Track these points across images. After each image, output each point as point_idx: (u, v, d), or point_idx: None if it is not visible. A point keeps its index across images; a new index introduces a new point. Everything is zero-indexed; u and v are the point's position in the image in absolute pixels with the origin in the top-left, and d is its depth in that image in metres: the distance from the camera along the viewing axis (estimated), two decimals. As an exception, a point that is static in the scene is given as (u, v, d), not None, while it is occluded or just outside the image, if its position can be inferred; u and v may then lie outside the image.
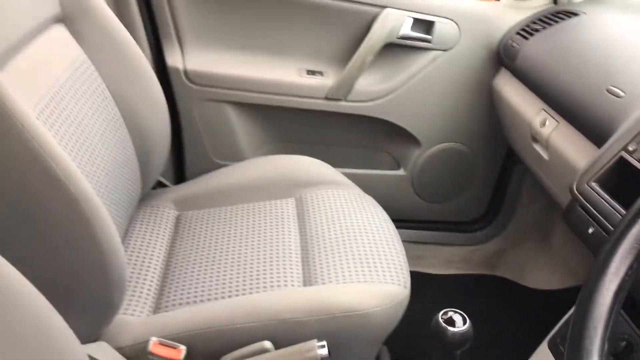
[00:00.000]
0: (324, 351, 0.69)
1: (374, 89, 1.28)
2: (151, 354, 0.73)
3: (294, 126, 1.32)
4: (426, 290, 1.42)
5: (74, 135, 0.79)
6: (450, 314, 0.68)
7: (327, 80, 1.26)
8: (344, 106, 1.27)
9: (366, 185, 1.31)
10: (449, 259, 1.54)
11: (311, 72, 1.26)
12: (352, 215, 1.02)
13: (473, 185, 1.46)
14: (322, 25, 1.22)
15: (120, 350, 0.77)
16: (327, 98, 1.26)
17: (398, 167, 1.41)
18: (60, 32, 0.87)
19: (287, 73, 1.24)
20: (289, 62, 1.26)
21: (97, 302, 0.72)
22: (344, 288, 0.85)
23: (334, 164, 1.22)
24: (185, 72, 1.19)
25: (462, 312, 0.69)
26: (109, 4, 0.96)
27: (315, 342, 0.70)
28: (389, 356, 1.05)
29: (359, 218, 1.01)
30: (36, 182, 0.63)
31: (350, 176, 1.18)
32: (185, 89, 1.21)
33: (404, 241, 1.48)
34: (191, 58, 1.20)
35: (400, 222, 1.45)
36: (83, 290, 0.70)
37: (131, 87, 0.96)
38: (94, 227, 0.67)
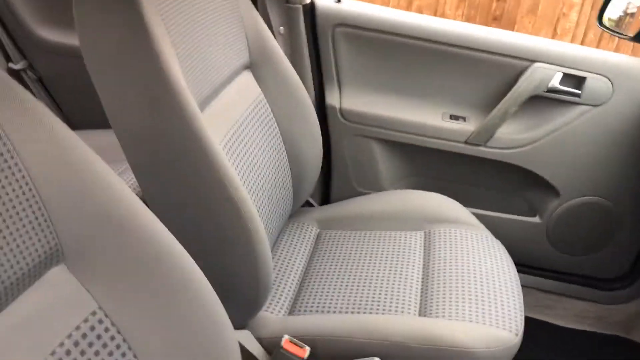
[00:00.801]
0: (424, 376, 0.79)
1: (516, 137, 1.32)
2: (282, 348, 0.89)
3: (432, 164, 1.42)
4: (548, 340, 1.41)
5: (246, 161, 0.99)
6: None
7: (469, 125, 1.33)
8: (483, 151, 1.34)
9: (496, 228, 1.35)
10: (580, 314, 1.50)
11: (454, 117, 1.35)
12: (476, 257, 1.08)
13: (615, 241, 1.41)
14: (470, 74, 1.30)
15: (259, 340, 0.95)
16: (467, 142, 1.33)
17: (533, 215, 1.42)
18: (246, 77, 1.09)
19: (432, 116, 1.35)
20: (434, 106, 1.36)
21: (247, 297, 0.91)
22: (456, 324, 0.92)
23: (466, 203, 1.29)
24: (341, 110, 1.36)
25: None
26: (286, 53, 1.17)
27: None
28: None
29: (482, 260, 1.08)
30: (214, 198, 0.82)
31: (481, 217, 1.24)
32: (339, 125, 1.38)
33: (532, 288, 1.49)
34: (347, 98, 1.37)
35: (530, 268, 1.47)
36: (238, 285, 0.88)
37: (295, 122, 1.15)
38: (252, 237, 0.85)
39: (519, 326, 0.94)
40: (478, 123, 1.33)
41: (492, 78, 1.30)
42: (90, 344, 0.53)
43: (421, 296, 1.01)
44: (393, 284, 1.03)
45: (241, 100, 1.04)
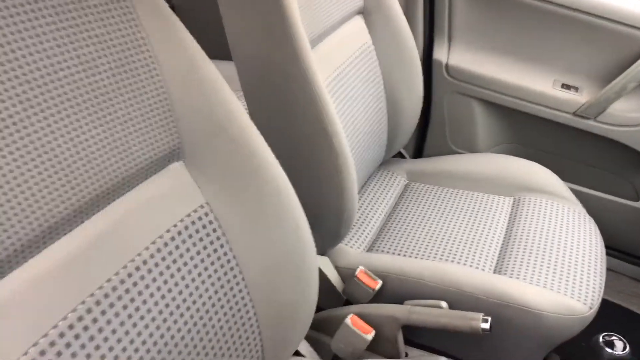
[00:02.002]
0: (486, 325, 0.82)
1: (630, 115, 1.25)
2: (356, 278, 0.95)
3: (533, 132, 1.38)
4: (625, 327, 1.36)
5: (346, 103, 1.04)
6: (613, 337, 0.72)
7: (581, 97, 1.28)
8: (592, 126, 1.28)
9: (593, 207, 1.31)
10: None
11: (566, 86, 1.30)
12: (563, 228, 1.07)
13: None
14: (590, 42, 1.24)
15: (335, 268, 1.02)
16: (575, 114, 1.28)
17: (635, 199, 1.35)
18: (358, 22, 1.12)
19: (541, 83, 1.31)
20: (546, 72, 1.31)
21: (330, 227, 0.97)
22: (529, 287, 0.93)
23: (564, 177, 1.25)
24: (447, 66, 1.36)
25: (625, 340, 0.72)
26: (400, 3, 1.18)
27: (481, 315, 0.83)
28: (557, 365, 1.09)
29: (569, 232, 1.06)
30: (311, 129, 0.88)
31: (577, 193, 1.20)
32: (442, 81, 1.38)
33: (621, 274, 1.43)
34: (455, 55, 1.36)
35: (622, 253, 1.41)
36: (323, 215, 0.95)
37: (398, 71, 1.17)
38: (341, 171, 0.91)
39: (594, 301, 0.93)
40: (591, 95, 1.27)
41: (613, 49, 1.23)
42: (197, 231, 0.62)
43: (499, 255, 1.02)
44: (472, 240, 1.05)
45: (350, 43, 1.08)
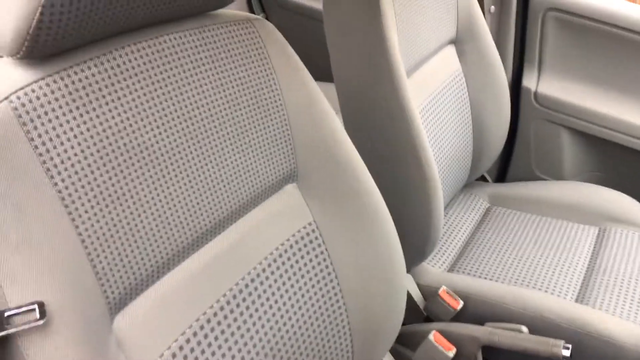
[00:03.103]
0: (567, 352, 0.84)
1: None
2: (439, 296, 1.00)
3: (621, 163, 1.37)
4: None
5: (436, 128, 1.09)
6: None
7: (672, 128, 1.26)
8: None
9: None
10: None
11: (657, 117, 1.28)
12: (649, 262, 1.07)
13: None
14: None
15: (418, 286, 1.08)
16: (666, 145, 1.27)
17: None
18: (449, 51, 1.18)
19: (630, 113, 1.29)
20: (635, 102, 1.30)
21: (416, 246, 1.03)
22: (611, 318, 0.94)
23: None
24: (535, 94, 1.38)
25: None
26: (492, 31, 1.22)
27: (562, 342, 0.86)
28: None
29: (655, 266, 1.06)
30: (404, 155, 0.95)
31: (665, 226, 1.19)
32: (530, 108, 1.40)
33: None
34: (544, 82, 1.38)
35: None
36: (410, 235, 1.01)
37: (487, 99, 1.21)
38: (430, 196, 0.97)
39: None
40: (683, 127, 1.25)
41: None
42: (305, 245, 0.70)
43: (582, 285, 1.03)
44: (555, 267, 1.07)
45: (441, 72, 1.14)
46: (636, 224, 1.16)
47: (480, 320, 0.99)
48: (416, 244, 1.03)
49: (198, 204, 0.57)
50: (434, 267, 1.12)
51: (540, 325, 0.94)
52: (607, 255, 1.09)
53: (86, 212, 0.48)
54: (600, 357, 0.92)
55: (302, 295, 0.69)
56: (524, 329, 0.93)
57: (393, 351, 0.98)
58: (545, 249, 1.13)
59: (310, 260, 0.71)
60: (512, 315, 0.97)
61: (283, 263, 0.68)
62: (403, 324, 1.04)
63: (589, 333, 0.92)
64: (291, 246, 0.69)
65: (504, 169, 1.52)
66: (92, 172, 0.49)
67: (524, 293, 1.00)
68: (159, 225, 0.53)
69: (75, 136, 0.48)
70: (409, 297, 1.05)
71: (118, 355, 0.48)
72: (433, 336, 0.91)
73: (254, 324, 0.62)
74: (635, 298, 0.98)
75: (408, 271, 1.09)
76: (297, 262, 0.69)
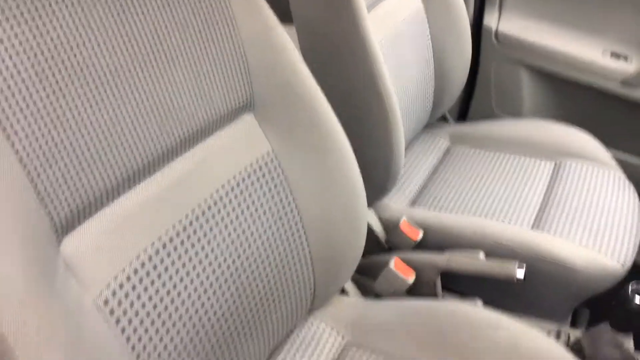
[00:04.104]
0: (521, 273, 0.88)
1: (679, 84, 1.25)
2: (399, 228, 1.02)
3: (579, 100, 1.40)
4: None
5: (397, 64, 1.09)
6: (643, 287, 0.77)
7: (630, 65, 1.29)
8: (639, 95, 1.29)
9: (633, 174, 1.32)
10: None
11: (615, 55, 1.30)
12: (602, 192, 1.10)
13: None
14: (643, 10, 1.25)
15: (379, 219, 1.10)
16: (623, 83, 1.29)
17: (679, 168, 1.36)
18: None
19: (591, 51, 1.32)
20: (595, 40, 1.32)
21: (377, 181, 1.04)
22: (564, 243, 0.97)
23: (607, 144, 1.27)
24: (496, 33, 1.39)
25: None
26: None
27: (516, 263, 0.89)
28: (587, 319, 1.14)
29: (607, 196, 1.09)
30: (364, 87, 0.95)
31: (619, 160, 1.23)
32: (491, 47, 1.40)
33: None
34: (505, 21, 1.38)
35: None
36: (372, 169, 1.01)
37: (448, 37, 1.21)
38: (391, 128, 0.97)
39: (627, 260, 0.97)
40: (640, 64, 1.28)
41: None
42: (263, 175, 0.70)
43: (537, 214, 1.07)
44: (512, 199, 1.10)
45: (402, 8, 1.13)
46: (591, 158, 1.20)
47: (439, 250, 1.02)
48: (377, 179, 1.04)
49: (148, 128, 0.56)
50: (395, 203, 1.14)
51: (497, 252, 0.98)
52: (562, 187, 1.13)
53: (23, 129, 0.46)
54: (554, 280, 0.97)
55: (262, 224, 0.69)
56: (481, 255, 0.96)
57: (355, 281, 1.00)
58: (503, 183, 1.15)
59: (270, 190, 0.71)
60: (471, 244, 1.00)
61: (241, 191, 0.68)
62: (365, 256, 1.06)
63: (544, 257, 0.96)
64: (249, 175, 0.69)
65: (465, 108, 1.54)
66: (28, 89, 0.47)
67: (482, 222, 1.03)
68: (105, 148, 0.52)
69: (6, 49, 0.46)
70: (371, 230, 1.07)
71: (67, 277, 0.48)
72: (393, 263, 0.93)
73: (212, 250, 0.62)
74: (587, 225, 1.02)
75: (370, 206, 1.11)
76: (255, 190, 0.69)
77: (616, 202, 1.08)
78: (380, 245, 1.09)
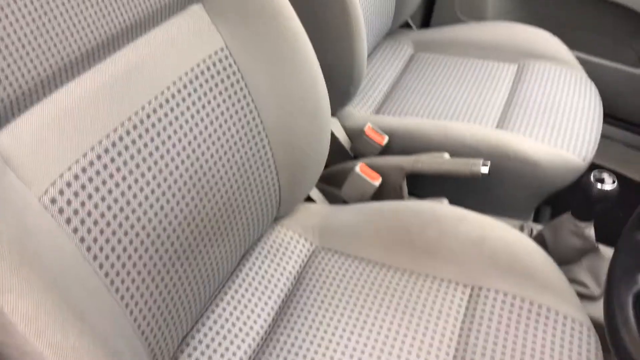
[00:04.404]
0: (485, 169, 0.88)
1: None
2: (364, 134, 1.00)
3: (540, 0, 1.37)
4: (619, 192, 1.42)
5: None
6: (603, 174, 0.78)
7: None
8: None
9: (596, 73, 1.33)
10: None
11: (578, -51, 1.27)
12: (564, 91, 1.10)
13: None
14: None
15: (344, 128, 1.08)
16: (584, -21, 1.27)
17: (638, 65, 1.37)
18: None
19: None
20: None
21: (340, 88, 1.01)
22: (527, 140, 0.98)
23: (569, 44, 1.26)
24: None
25: (614, 175, 0.78)
26: None
27: (481, 160, 0.89)
28: (548, 216, 1.17)
29: (569, 95, 1.09)
30: None
31: (582, 60, 1.22)
32: None
33: (620, 142, 1.48)
34: None
35: (622, 121, 1.45)
36: (334, 77, 0.98)
37: None
38: (353, 36, 0.93)
39: (588, 154, 0.99)
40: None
41: None
42: (218, 72, 0.66)
43: (501, 114, 1.06)
44: (477, 102, 1.09)
45: None
46: (554, 59, 1.19)
47: (410, 152, 1.01)
48: (340, 84, 1.01)
49: (82, 12, 0.51)
50: (360, 112, 1.11)
51: (462, 152, 0.98)
52: (525, 88, 1.12)
53: None
54: (518, 176, 0.98)
55: (221, 125, 0.66)
56: (446, 155, 0.95)
57: (322, 190, 0.99)
58: (467, 86, 1.14)
59: (226, 89, 0.67)
60: (436, 146, 0.99)
61: (195, 89, 0.63)
62: (331, 166, 1.05)
63: (507, 155, 0.96)
64: (202, 72, 0.64)
65: (428, 14, 1.50)
66: None
67: (447, 124, 1.02)
68: (35, 33, 0.47)
69: None
70: (335, 139, 1.05)
71: (5, 171, 0.44)
72: (359, 168, 0.92)
73: (168, 151, 0.59)
74: (550, 123, 1.02)
75: (333, 115, 1.08)
76: (210, 90, 0.65)
77: (578, 100, 1.08)
78: (345, 154, 1.07)
